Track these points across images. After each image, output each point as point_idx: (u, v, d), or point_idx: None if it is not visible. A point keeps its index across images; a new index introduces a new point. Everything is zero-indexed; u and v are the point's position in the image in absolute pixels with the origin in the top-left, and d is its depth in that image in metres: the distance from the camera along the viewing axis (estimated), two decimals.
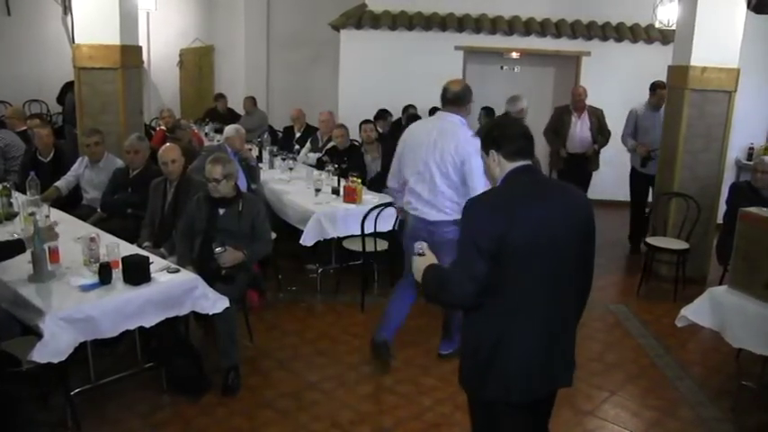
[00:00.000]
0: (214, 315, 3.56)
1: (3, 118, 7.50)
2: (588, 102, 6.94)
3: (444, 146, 3.73)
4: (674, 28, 6.34)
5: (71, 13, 5.91)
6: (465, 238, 2.13)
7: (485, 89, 9.21)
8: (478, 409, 2.30)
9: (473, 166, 3.65)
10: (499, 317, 2.12)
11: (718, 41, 5.46)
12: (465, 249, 2.11)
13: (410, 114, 7.83)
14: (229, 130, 5.78)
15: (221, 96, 9.74)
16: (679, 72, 5.65)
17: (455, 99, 3.87)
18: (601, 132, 6.89)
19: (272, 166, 6.73)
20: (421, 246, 2.34)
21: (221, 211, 4.03)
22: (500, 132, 2.23)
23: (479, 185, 3.59)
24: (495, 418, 2.22)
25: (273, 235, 5.04)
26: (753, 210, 3.52)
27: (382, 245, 5.06)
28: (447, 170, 3.72)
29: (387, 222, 4.98)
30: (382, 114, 7.69)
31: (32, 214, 4.02)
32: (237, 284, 3.97)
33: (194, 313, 3.55)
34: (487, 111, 7.91)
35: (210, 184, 3.96)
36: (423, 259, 2.30)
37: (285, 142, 8.01)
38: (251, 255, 4.01)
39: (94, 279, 3.30)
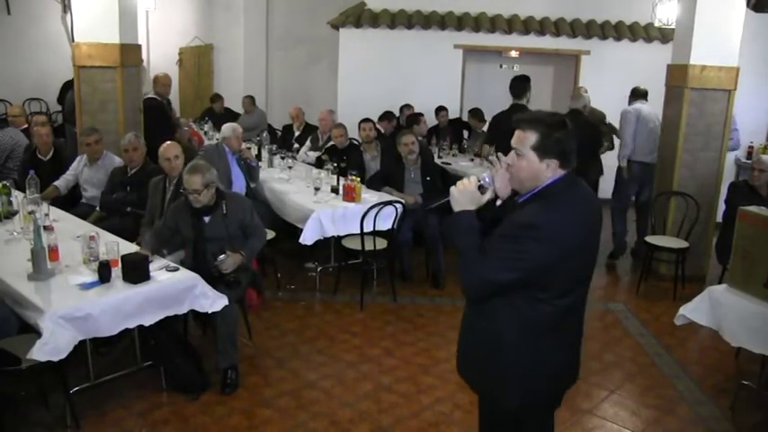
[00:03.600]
0: (215, 315, 3.56)
1: (7, 117, 7.49)
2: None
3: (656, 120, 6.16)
4: (673, 27, 6.34)
5: (71, 12, 5.87)
6: (527, 245, 1.91)
7: (484, 88, 9.23)
8: (499, 413, 2.20)
9: None
10: (542, 325, 2.02)
11: (717, 40, 5.46)
12: (517, 252, 1.91)
13: (408, 115, 7.82)
14: (226, 129, 5.75)
15: (218, 97, 9.73)
16: (678, 71, 5.65)
17: (646, 94, 6.32)
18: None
19: (271, 164, 6.73)
20: (489, 180, 2.08)
21: (206, 219, 3.90)
22: (568, 143, 2.00)
23: None
24: (521, 421, 2.17)
25: (272, 234, 5.06)
26: (752, 209, 3.52)
27: (381, 243, 5.06)
28: None
29: (386, 221, 4.99)
30: (387, 116, 7.69)
31: (32, 212, 4.02)
32: (241, 286, 3.96)
33: (193, 312, 3.55)
34: (474, 112, 7.91)
35: (191, 196, 3.77)
36: (476, 196, 2.05)
37: (284, 141, 8.01)
38: (248, 253, 3.98)
39: (94, 277, 3.30)
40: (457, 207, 2.05)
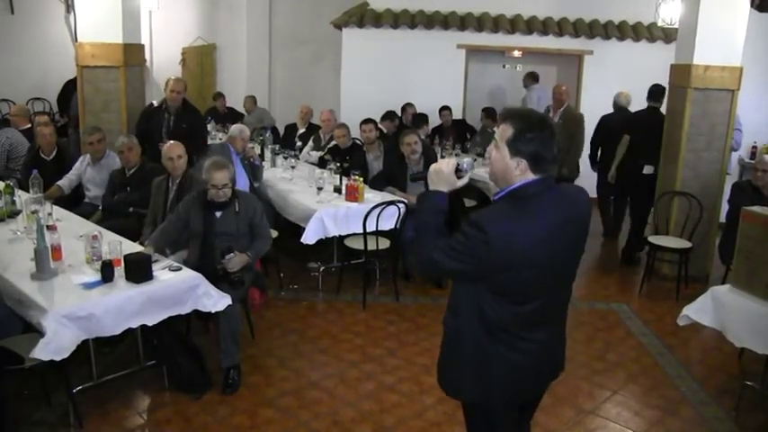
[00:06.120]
0: (218, 314, 3.56)
1: (8, 116, 7.51)
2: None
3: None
4: (676, 26, 6.32)
5: (74, 12, 5.92)
6: (474, 243, 1.90)
7: (487, 87, 9.24)
8: (470, 408, 2.26)
9: None
10: (498, 323, 2.03)
11: (720, 40, 5.44)
12: (464, 246, 1.92)
13: (416, 114, 7.79)
14: (234, 129, 5.79)
15: (220, 95, 9.76)
16: (682, 71, 5.64)
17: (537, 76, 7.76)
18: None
19: (274, 164, 6.73)
20: (467, 166, 2.07)
21: (218, 214, 3.96)
22: (543, 146, 1.94)
23: None
24: (489, 416, 2.20)
25: (275, 234, 5.06)
26: (755, 209, 3.51)
27: (384, 243, 5.06)
28: None
29: (388, 221, 4.99)
30: (389, 115, 7.68)
31: (35, 212, 4.03)
32: (245, 285, 3.98)
33: (195, 311, 3.55)
34: (488, 112, 7.88)
35: (220, 191, 3.89)
36: (451, 179, 2.05)
37: (286, 141, 8.01)
38: (254, 255, 4.01)
39: (97, 277, 3.31)
40: (432, 186, 2.08)
